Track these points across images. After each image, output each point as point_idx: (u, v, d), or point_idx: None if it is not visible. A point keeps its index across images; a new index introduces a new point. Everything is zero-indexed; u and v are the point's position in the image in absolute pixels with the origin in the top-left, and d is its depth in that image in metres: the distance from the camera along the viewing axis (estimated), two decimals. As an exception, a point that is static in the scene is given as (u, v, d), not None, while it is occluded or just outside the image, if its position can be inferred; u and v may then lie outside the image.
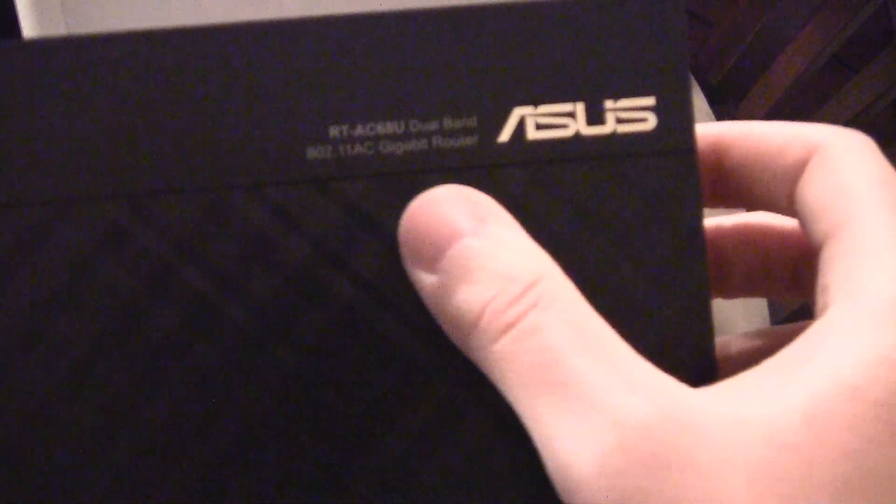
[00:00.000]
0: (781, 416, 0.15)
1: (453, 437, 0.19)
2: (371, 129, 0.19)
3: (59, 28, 0.39)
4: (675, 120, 0.19)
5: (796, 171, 0.19)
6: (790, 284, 0.23)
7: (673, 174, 0.19)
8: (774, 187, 0.20)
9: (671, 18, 0.19)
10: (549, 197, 0.19)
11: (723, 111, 0.58)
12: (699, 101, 0.58)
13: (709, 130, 0.20)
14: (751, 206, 0.22)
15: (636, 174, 0.19)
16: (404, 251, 0.19)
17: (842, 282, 0.17)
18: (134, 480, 0.19)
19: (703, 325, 0.19)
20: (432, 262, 0.18)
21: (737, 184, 0.21)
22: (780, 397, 0.16)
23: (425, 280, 0.18)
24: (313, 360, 0.19)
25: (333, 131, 0.19)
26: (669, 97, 0.19)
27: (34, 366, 0.19)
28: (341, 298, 0.19)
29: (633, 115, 0.19)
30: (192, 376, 0.19)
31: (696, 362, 0.19)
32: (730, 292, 0.24)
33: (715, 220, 0.23)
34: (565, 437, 0.16)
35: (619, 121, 0.19)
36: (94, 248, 0.19)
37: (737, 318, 0.53)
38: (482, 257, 0.17)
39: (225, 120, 0.19)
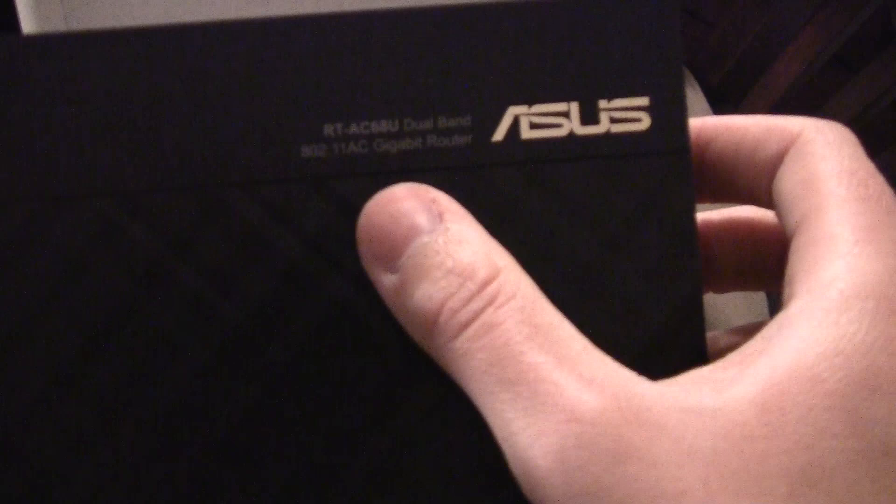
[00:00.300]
0: (738, 408, 0.15)
1: (445, 434, 0.19)
2: (365, 127, 0.19)
3: (58, 24, 0.39)
4: (669, 120, 0.19)
5: (775, 163, 0.19)
6: (779, 277, 0.23)
7: (666, 174, 0.19)
8: (755, 180, 0.20)
9: (666, 18, 0.19)
10: (543, 196, 0.20)
11: (723, 111, 0.58)
12: (699, 102, 0.58)
13: (691, 125, 0.21)
14: (733, 200, 0.22)
15: (630, 174, 0.19)
16: (363, 251, 0.19)
17: (803, 273, 0.17)
18: (128, 477, 0.19)
19: (695, 322, 0.20)
20: (391, 261, 0.18)
21: (718, 177, 0.21)
22: (738, 389, 0.16)
23: (384, 280, 0.18)
24: (306, 357, 0.19)
25: (328, 129, 0.19)
26: (663, 97, 0.19)
27: (28, 363, 0.19)
28: (335, 296, 0.19)
29: (627, 114, 0.19)
30: (185, 373, 0.19)
31: (688, 358, 0.19)
32: (720, 286, 0.24)
33: (703, 215, 0.23)
34: (524, 434, 0.16)
35: (613, 120, 0.19)
36: (88, 245, 0.19)
37: (737, 313, 0.53)
38: (439, 255, 0.17)
39: (219, 117, 0.19)
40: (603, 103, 0.19)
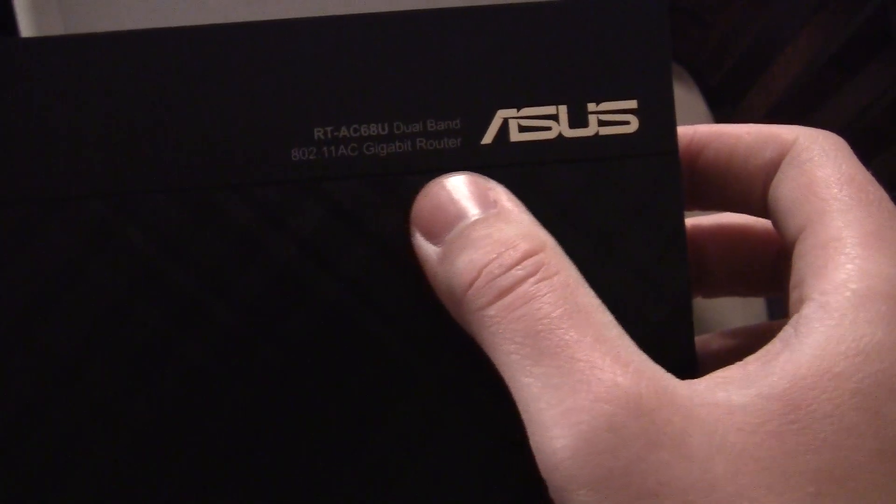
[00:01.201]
0: (765, 404, 0.16)
1: (439, 433, 0.20)
2: (355, 130, 0.20)
3: (57, 28, 0.39)
4: (657, 123, 0.20)
5: (769, 171, 0.20)
6: (770, 282, 0.23)
7: (655, 176, 0.20)
8: (748, 187, 0.20)
9: (654, 21, 0.20)
10: (533, 198, 0.20)
11: (721, 112, 0.58)
12: (698, 103, 0.57)
13: (682, 133, 0.21)
14: (724, 208, 0.22)
15: (618, 176, 0.20)
16: (414, 224, 0.19)
17: (813, 276, 0.17)
18: (123, 479, 0.19)
19: (685, 324, 0.20)
20: (440, 235, 0.18)
21: (710, 185, 0.21)
22: (763, 386, 0.16)
23: (429, 250, 0.19)
24: (299, 358, 0.20)
25: (318, 133, 0.20)
26: (651, 100, 0.20)
27: (24, 364, 0.19)
28: (326, 298, 0.20)
29: (615, 117, 0.20)
30: (179, 374, 0.19)
31: (678, 359, 0.19)
32: (711, 291, 0.24)
33: (694, 220, 0.23)
34: (552, 410, 0.16)
35: (602, 123, 0.20)
36: (81, 247, 0.19)
37: (734, 317, 0.53)
38: (487, 229, 0.18)
39: (211, 120, 0.19)
40: (591, 106, 0.20)
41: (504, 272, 0.17)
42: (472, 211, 0.18)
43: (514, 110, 0.20)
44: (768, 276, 0.23)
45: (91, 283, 0.19)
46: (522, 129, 0.20)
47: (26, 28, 0.38)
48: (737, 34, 0.56)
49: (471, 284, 0.17)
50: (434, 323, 0.20)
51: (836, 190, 0.18)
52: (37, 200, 0.19)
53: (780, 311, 0.54)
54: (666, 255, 0.20)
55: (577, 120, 0.20)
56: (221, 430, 0.19)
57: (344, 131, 0.20)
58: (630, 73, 0.20)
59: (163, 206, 0.19)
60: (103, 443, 0.19)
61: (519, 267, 0.17)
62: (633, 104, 0.20)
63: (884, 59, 0.50)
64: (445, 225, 0.18)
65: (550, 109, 0.20)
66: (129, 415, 0.19)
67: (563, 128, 0.20)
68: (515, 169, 0.20)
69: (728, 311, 0.52)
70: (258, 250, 0.20)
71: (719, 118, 0.57)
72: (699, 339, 0.22)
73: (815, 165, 0.19)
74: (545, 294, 0.17)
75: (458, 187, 0.19)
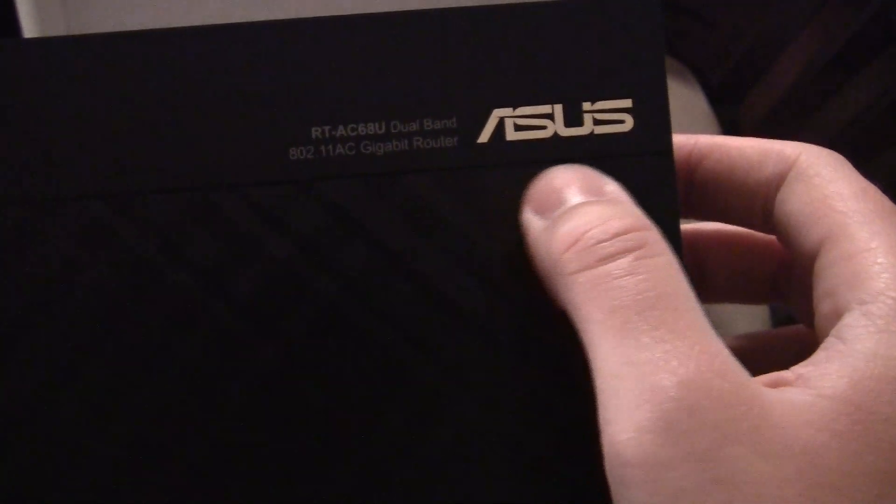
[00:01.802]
0: (829, 405, 0.16)
1: (436, 431, 0.20)
2: (352, 129, 0.20)
3: (59, 28, 0.39)
4: (652, 122, 0.20)
5: (771, 185, 0.20)
6: (768, 291, 0.23)
7: (649, 175, 0.20)
8: (748, 201, 0.20)
9: (648, 21, 0.20)
10: None
11: (723, 111, 0.58)
12: (700, 102, 0.57)
13: (683, 142, 0.21)
14: (723, 219, 0.22)
15: (613, 175, 0.20)
16: (526, 203, 0.20)
17: (847, 287, 0.17)
18: (123, 478, 0.19)
19: None
20: (550, 210, 0.19)
21: (709, 196, 0.21)
22: (824, 388, 0.16)
23: (536, 223, 0.19)
24: (297, 358, 0.20)
25: (315, 132, 0.20)
26: (646, 99, 0.20)
27: (21, 364, 0.19)
28: (324, 297, 0.20)
29: (610, 116, 0.20)
30: (176, 374, 0.19)
31: None
32: (710, 297, 0.24)
33: (696, 225, 0.23)
34: (635, 387, 0.16)
35: (597, 122, 0.20)
36: (78, 247, 0.19)
37: (738, 321, 0.52)
38: (595, 206, 0.18)
39: (209, 120, 0.20)
40: (586, 105, 0.20)
41: (609, 238, 0.17)
42: (584, 196, 0.19)
43: (510, 109, 0.20)
44: (767, 284, 0.23)
45: (90, 283, 0.19)
46: (518, 128, 0.20)
47: (29, 29, 0.39)
48: (739, 34, 0.56)
49: (570, 246, 0.18)
50: (433, 322, 0.20)
51: (852, 203, 0.18)
52: (37, 200, 0.19)
53: (782, 316, 0.54)
54: None
55: (573, 119, 0.20)
56: (221, 429, 0.19)
57: (341, 130, 0.20)
58: (625, 72, 0.20)
59: (162, 207, 0.20)
60: (103, 442, 0.19)
61: (623, 238, 0.17)
62: (627, 103, 0.20)
63: (885, 58, 0.50)
64: (557, 203, 0.19)
65: (546, 108, 0.20)
66: (129, 414, 0.19)
67: (558, 127, 0.20)
68: (511, 168, 0.20)
69: (731, 314, 0.52)
70: (257, 250, 0.20)
71: (721, 117, 0.57)
72: None
73: (826, 180, 0.19)
74: (645, 272, 0.17)
75: (574, 175, 0.19)
